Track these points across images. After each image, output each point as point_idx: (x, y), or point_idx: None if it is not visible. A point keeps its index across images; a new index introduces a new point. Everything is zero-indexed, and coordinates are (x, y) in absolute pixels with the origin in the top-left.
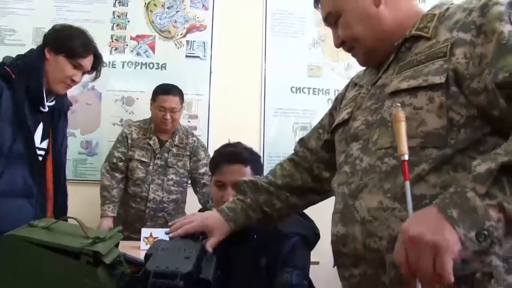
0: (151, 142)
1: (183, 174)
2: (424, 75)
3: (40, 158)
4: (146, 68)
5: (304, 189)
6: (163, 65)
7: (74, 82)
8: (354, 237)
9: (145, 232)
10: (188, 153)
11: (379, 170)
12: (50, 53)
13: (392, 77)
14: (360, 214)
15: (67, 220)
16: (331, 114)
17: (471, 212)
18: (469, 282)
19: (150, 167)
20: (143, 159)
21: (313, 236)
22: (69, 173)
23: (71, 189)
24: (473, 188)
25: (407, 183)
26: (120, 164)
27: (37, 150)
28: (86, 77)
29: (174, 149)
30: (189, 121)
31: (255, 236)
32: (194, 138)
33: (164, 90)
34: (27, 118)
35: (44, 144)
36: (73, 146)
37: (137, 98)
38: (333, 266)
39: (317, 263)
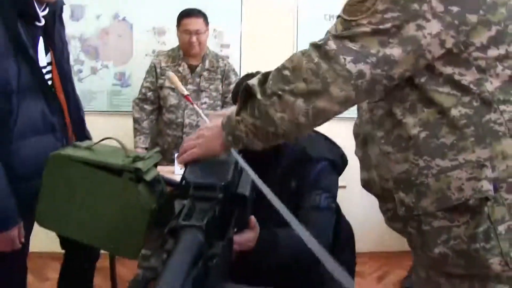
0: (180, 69)
1: (216, 97)
2: None
3: (50, 75)
4: None
5: None
6: None
7: None
8: (374, 181)
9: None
10: (219, 76)
11: (371, 120)
12: None
13: None
14: (373, 160)
15: (89, 139)
16: None
17: (229, 123)
18: (466, 209)
19: None
20: (173, 85)
21: (340, 161)
22: (104, 105)
23: (106, 120)
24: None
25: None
26: (149, 94)
27: (43, 68)
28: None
29: (205, 73)
30: (221, 50)
31: (284, 160)
32: (225, 62)
33: (187, 13)
34: (27, 46)
35: (49, 58)
36: (107, 78)
37: (168, 28)
38: None
39: (344, 187)
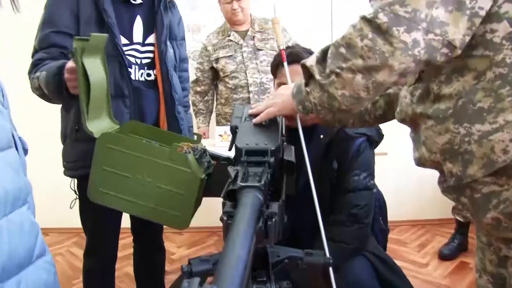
0: (231, 38)
1: (273, 54)
2: None
3: (151, 55)
4: None
5: None
6: None
7: None
8: (424, 157)
9: (219, 130)
10: (272, 36)
11: (411, 102)
12: None
13: None
14: (421, 137)
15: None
16: None
17: (300, 93)
18: None
19: (239, 57)
20: (228, 54)
21: (377, 136)
22: None
23: None
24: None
25: (285, 64)
26: (199, 75)
27: (140, 46)
28: None
29: (257, 35)
30: None
31: (322, 136)
32: None
33: None
34: (108, 16)
35: (151, 39)
36: None
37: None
38: None
39: (385, 154)
